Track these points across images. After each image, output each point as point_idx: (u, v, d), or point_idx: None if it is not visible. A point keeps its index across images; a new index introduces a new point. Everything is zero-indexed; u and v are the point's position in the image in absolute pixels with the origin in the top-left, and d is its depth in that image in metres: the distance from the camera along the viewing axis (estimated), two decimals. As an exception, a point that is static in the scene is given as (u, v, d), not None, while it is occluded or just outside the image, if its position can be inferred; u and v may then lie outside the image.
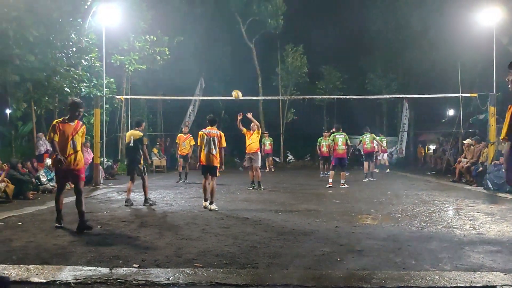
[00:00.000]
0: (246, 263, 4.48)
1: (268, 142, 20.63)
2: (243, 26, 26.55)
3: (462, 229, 6.29)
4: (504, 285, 3.83)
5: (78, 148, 6.25)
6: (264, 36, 27.22)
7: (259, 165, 12.20)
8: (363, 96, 19.54)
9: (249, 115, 11.86)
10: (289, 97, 24.72)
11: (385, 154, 19.51)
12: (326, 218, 7.28)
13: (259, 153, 12.21)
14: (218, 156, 8.39)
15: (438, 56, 21.54)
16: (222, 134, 8.56)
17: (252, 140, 11.86)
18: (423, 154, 24.57)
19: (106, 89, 14.72)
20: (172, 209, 8.30)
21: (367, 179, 14.95)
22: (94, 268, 4.21)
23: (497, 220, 7.08)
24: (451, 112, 26.41)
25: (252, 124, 11.91)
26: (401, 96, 21.36)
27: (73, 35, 13.82)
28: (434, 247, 5.22)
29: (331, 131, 13.84)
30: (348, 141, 13.14)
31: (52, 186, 10.94)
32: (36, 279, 3.89)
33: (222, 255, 4.77)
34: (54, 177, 11.14)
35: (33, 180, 10.63)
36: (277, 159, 24.85)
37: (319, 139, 16.54)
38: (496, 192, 10.93)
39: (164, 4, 20.76)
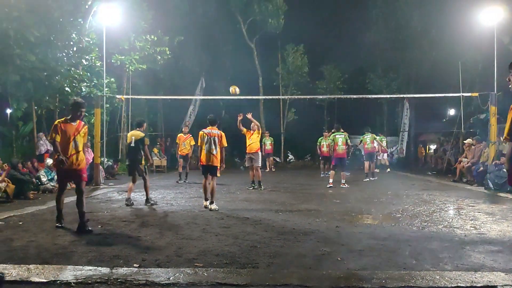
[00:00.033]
0: (246, 263, 4.48)
1: (268, 142, 20.63)
2: (243, 26, 26.55)
3: (463, 229, 6.29)
4: (505, 285, 3.82)
5: (80, 148, 6.23)
6: (264, 36, 27.22)
7: (260, 165, 12.21)
8: (364, 96, 19.48)
9: (249, 116, 11.86)
10: (289, 96, 24.73)
11: (385, 154, 19.51)
12: (326, 218, 7.28)
13: (260, 153, 12.21)
14: (218, 156, 8.39)
15: (438, 56, 21.53)
16: (223, 134, 8.56)
17: (253, 140, 11.86)
18: (424, 154, 24.56)
19: (106, 89, 14.72)
20: (172, 209, 8.30)
21: (368, 179, 14.95)
22: (95, 268, 4.21)
23: (498, 220, 7.08)
24: (451, 112, 26.38)
25: (252, 124, 11.91)
26: (401, 95, 21.36)
27: (73, 35, 13.82)
28: (435, 247, 5.22)
29: (332, 131, 13.83)
30: (348, 141, 13.13)
31: (53, 186, 10.95)
32: (36, 279, 3.89)
33: (222, 255, 4.77)
34: (55, 177, 11.19)
35: (34, 180, 10.63)
36: (277, 159, 24.85)
37: (320, 139, 16.54)
38: (497, 192, 10.93)
39: (164, 3, 20.76)
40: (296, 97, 24.35)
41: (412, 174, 18.23)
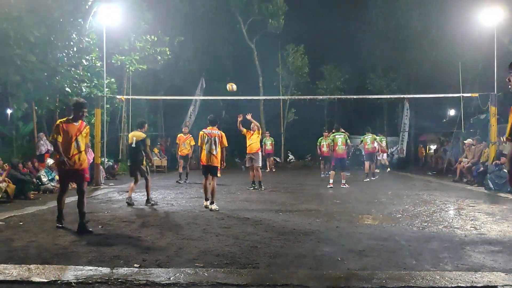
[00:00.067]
0: (246, 263, 4.48)
1: (269, 142, 20.63)
2: (244, 26, 26.54)
3: (463, 229, 6.29)
4: (505, 285, 3.83)
5: (82, 148, 6.22)
6: (265, 36, 27.20)
7: (260, 165, 12.21)
8: (364, 96, 19.53)
9: (249, 116, 11.87)
10: (290, 97, 24.73)
11: (385, 154, 19.52)
12: (327, 218, 7.29)
13: (260, 153, 12.22)
14: (218, 156, 8.40)
15: (438, 56, 21.53)
16: (223, 134, 8.57)
17: (253, 141, 11.87)
18: (424, 154, 24.58)
19: (106, 89, 14.72)
20: (173, 209, 8.31)
21: (368, 179, 14.96)
22: (95, 268, 4.21)
23: (498, 220, 7.08)
24: (452, 112, 26.39)
25: (252, 125, 11.92)
26: (401, 96, 21.34)
27: (74, 35, 13.82)
28: (435, 247, 5.22)
29: (332, 131, 13.84)
30: (348, 141, 13.14)
31: (53, 186, 10.96)
32: (37, 279, 3.90)
33: (223, 255, 4.77)
34: (56, 177, 11.20)
35: (34, 180, 10.64)
36: (277, 159, 24.85)
37: (320, 139, 16.55)
38: (497, 192, 10.93)
39: (165, 4, 20.77)
40: (296, 97, 24.37)
41: (412, 174, 18.24)
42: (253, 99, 22.43)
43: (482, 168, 12.65)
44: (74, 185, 6.77)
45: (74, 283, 3.82)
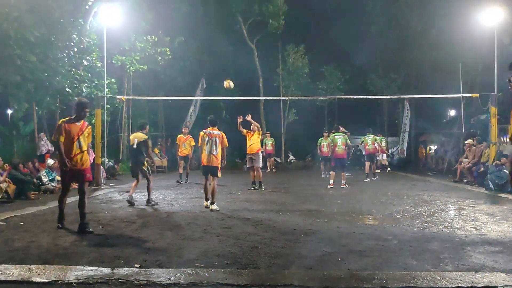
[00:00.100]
0: (247, 263, 4.49)
1: (270, 143, 20.62)
2: (244, 27, 26.53)
3: (464, 230, 6.29)
4: (505, 286, 3.83)
5: (84, 148, 6.22)
6: (265, 36, 27.20)
7: (260, 166, 12.23)
8: (364, 97, 19.53)
9: (249, 117, 11.88)
10: (290, 97, 24.71)
11: (384, 155, 19.52)
12: (327, 218, 7.29)
13: (260, 154, 12.23)
14: (219, 156, 8.40)
15: (439, 56, 21.51)
16: (224, 134, 8.57)
17: (253, 141, 11.88)
18: (424, 154, 24.56)
19: (107, 90, 14.72)
20: (173, 209, 8.31)
21: (368, 179, 14.96)
22: (96, 268, 4.22)
23: (498, 221, 7.08)
24: (452, 113, 26.37)
25: (252, 125, 11.93)
26: (402, 96, 21.36)
27: (74, 35, 13.83)
28: (436, 247, 5.22)
29: (332, 131, 13.85)
30: (348, 141, 13.13)
31: (54, 186, 10.97)
32: (38, 279, 3.90)
33: (223, 255, 4.77)
34: (56, 177, 11.20)
35: (35, 180, 10.64)
36: (278, 159, 24.84)
37: (320, 139, 16.54)
38: (498, 193, 10.93)
39: (165, 4, 20.77)
40: (296, 97, 24.33)
41: (413, 174, 18.23)
42: (253, 99, 22.48)
43: (482, 169, 12.64)
44: (75, 185, 6.77)
45: (74, 283, 3.82)
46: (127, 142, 19.00)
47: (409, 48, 23.68)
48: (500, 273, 4.18)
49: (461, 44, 18.39)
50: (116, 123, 20.26)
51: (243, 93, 22.46)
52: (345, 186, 12.48)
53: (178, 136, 14.22)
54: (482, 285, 3.83)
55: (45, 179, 10.93)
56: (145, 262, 4.45)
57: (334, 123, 15.42)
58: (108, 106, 15.44)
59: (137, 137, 9.04)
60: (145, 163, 8.99)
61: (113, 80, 16.33)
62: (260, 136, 12.37)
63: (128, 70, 18.42)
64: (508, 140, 3.62)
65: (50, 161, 11.78)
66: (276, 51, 27.72)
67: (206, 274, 4.06)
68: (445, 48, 20.44)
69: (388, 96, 22.38)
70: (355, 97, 18.42)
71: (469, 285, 3.82)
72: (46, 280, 3.89)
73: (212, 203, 8.18)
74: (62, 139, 6.06)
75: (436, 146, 24.02)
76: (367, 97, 19.66)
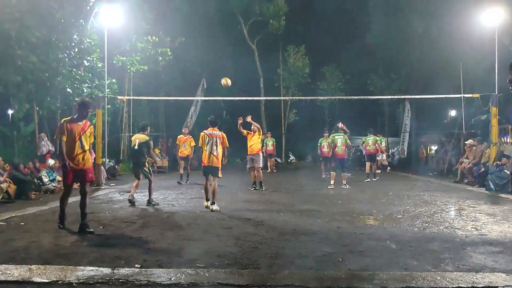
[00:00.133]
0: (247, 263, 4.49)
1: (270, 143, 20.60)
2: (245, 27, 26.58)
3: (464, 230, 6.29)
4: (506, 286, 3.83)
5: (87, 147, 6.19)
6: (266, 37, 27.25)
7: (261, 166, 12.23)
8: (365, 97, 19.54)
9: (249, 119, 11.90)
10: (290, 97, 24.76)
11: (384, 155, 19.51)
12: (327, 218, 7.29)
13: (261, 154, 12.24)
14: (219, 157, 8.40)
15: (439, 57, 21.50)
16: (224, 134, 8.57)
17: (253, 142, 11.90)
18: (425, 154, 24.53)
19: (108, 90, 14.73)
20: (174, 209, 8.31)
21: (369, 179, 14.95)
22: (96, 268, 4.22)
23: (499, 221, 7.08)
24: (453, 113, 26.36)
25: (253, 126, 11.94)
26: (402, 96, 21.34)
27: (75, 36, 13.84)
28: (436, 247, 5.22)
29: (332, 131, 13.87)
30: (348, 141, 13.14)
31: (54, 186, 10.98)
32: (38, 279, 3.90)
33: (223, 255, 4.77)
34: (57, 177, 11.22)
35: (35, 180, 10.65)
36: (278, 160, 24.86)
37: (320, 139, 16.54)
38: (498, 193, 10.91)
39: (166, 5, 20.80)
40: (297, 98, 24.40)
41: (413, 175, 18.22)
42: (254, 99, 22.50)
43: (483, 169, 12.63)
44: (76, 186, 6.75)
45: (75, 283, 3.83)
46: (128, 143, 19.03)
47: (409, 48, 23.68)
48: (501, 273, 4.18)
49: (461, 45, 18.38)
50: (116, 124, 20.28)
51: (243, 93, 22.49)
52: (345, 187, 12.48)
53: (178, 136, 14.22)
54: (483, 286, 3.83)
55: (45, 179, 10.94)
56: (146, 262, 4.45)
57: (334, 124, 15.40)
58: (109, 106, 15.45)
59: (138, 138, 9.07)
60: (146, 163, 9.02)
61: (114, 80, 16.35)
62: (261, 137, 12.37)
63: (128, 71, 18.44)
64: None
65: (51, 161, 11.79)
66: (277, 51, 27.78)
67: (207, 274, 4.07)
68: (445, 49, 20.43)
69: (389, 97, 22.38)
70: (355, 97, 18.42)
71: (469, 286, 3.82)
72: (47, 280, 3.89)
73: (212, 203, 8.18)
74: (64, 138, 6.05)
75: (436, 147, 23.97)
76: (368, 97, 19.67)
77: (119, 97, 15.80)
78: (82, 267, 4.25)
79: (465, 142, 15.49)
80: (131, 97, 17.72)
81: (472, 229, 6.38)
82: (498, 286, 3.82)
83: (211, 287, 3.78)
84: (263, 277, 4.03)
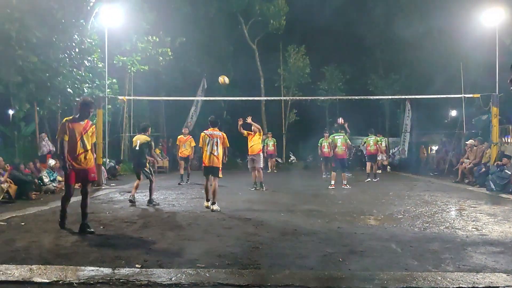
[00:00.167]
0: (248, 263, 4.49)
1: (271, 143, 20.60)
2: (245, 27, 26.58)
3: (465, 230, 6.28)
4: (506, 286, 3.82)
5: (89, 147, 6.16)
6: (266, 37, 27.24)
7: (261, 166, 12.25)
8: (365, 97, 19.53)
9: (249, 120, 11.91)
10: (291, 97, 24.74)
11: (384, 155, 19.50)
12: (328, 218, 7.28)
13: (261, 155, 12.26)
14: (220, 157, 8.41)
15: (440, 57, 21.51)
16: (225, 134, 8.59)
17: (254, 142, 11.92)
18: (426, 154, 24.51)
19: (108, 90, 14.74)
20: (174, 209, 8.31)
21: (369, 179, 14.95)
22: (97, 268, 4.22)
23: (499, 221, 7.07)
24: (453, 113, 26.35)
25: (253, 127, 11.96)
26: (403, 96, 21.36)
27: (75, 36, 13.85)
28: (437, 248, 5.22)
29: (332, 132, 13.88)
30: (348, 141, 13.14)
31: (55, 186, 10.99)
32: (39, 279, 3.90)
33: (224, 255, 4.77)
34: (57, 177, 11.22)
35: (36, 180, 10.66)
36: (279, 160, 24.85)
37: (321, 139, 16.55)
38: (499, 193, 10.90)
39: (166, 5, 20.81)
40: (297, 98, 24.38)
41: (414, 175, 18.21)
42: (254, 99, 22.49)
43: (483, 169, 12.62)
44: (77, 185, 6.74)
45: (75, 283, 3.83)
46: (128, 143, 19.05)
47: (410, 48, 23.67)
48: (501, 273, 4.17)
49: (462, 45, 18.38)
50: (117, 124, 20.29)
51: (244, 93, 22.48)
52: (346, 187, 12.49)
53: (178, 137, 14.20)
54: (483, 286, 3.83)
55: (46, 180, 10.95)
56: (146, 262, 4.45)
57: (335, 124, 15.39)
58: (109, 106, 15.46)
59: (139, 139, 9.10)
60: (147, 164, 9.03)
61: (114, 80, 16.37)
62: (261, 137, 12.39)
63: (129, 71, 18.45)
64: None
65: (51, 162, 11.80)
66: (277, 51, 27.75)
67: (207, 274, 4.06)
68: (446, 49, 20.44)
69: (389, 97, 22.37)
70: (356, 97, 18.39)
71: (470, 286, 3.82)
72: (47, 280, 3.89)
73: (213, 203, 8.18)
74: (66, 138, 6.02)
75: (437, 147, 23.98)
76: (368, 97, 19.67)
77: (119, 97, 15.81)
78: (82, 267, 4.25)
79: (466, 142, 15.48)
80: (132, 97, 17.73)
81: (473, 229, 6.37)
82: (499, 287, 3.82)
83: (212, 287, 3.78)
84: (263, 277, 4.03)
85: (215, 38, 25.43)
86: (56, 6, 12.46)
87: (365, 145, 16.70)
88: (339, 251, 5.05)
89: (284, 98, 25.04)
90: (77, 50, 14.15)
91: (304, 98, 23.98)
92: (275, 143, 21.15)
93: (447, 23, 19.74)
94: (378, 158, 18.22)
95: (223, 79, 12.16)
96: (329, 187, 12.34)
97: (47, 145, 13.82)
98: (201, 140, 8.51)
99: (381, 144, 17.44)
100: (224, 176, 9.35)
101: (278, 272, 4.21)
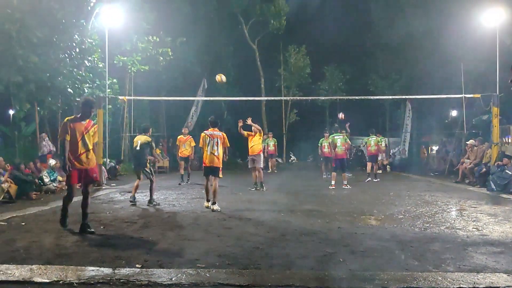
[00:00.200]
0: (248, 263, 4.48)
1: (272, 143, 20.58)
2: (245, 27, 26.60)
3: (465, 230, 6.28)
4: (507, 286, 3.82)
5: (90, 146, 6.14)
6: (266, 37, 27.26)
7: (262, 166, 12.26)
8: (366, 97, 19.52)
9: (249, 121, 11.91)
10: (291, 97, 24.76)
11: (383, 154, 19.50)
12: (328, 218, 7.28)
13: (261, 155, 12.27)
14: (220, 157, 8.42)
15: (440, 57, 21.49)
16: (225, 134, 8.60)
17: (254, 143, 11.95)
18: (426, 155, 24.52)
19: (109, 90, 14.74)
20: (174, 209, 8.32)
21: (370, 178, 14.95)
22: (97, 268, 4.22)
23: (500, 221, 7.06)
24: (454, 113, 26.34)
25: (253, 128, 11.97)
26: (403, 96, 21.35)
27: (76, 36, 13.85)
28: (437, 248, 5.21)
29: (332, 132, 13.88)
30: (348, 141, 13.14)
31: (55, 186, 10.99)
32: (39, 279, 3.91)
33: (224, 255, 4.77)
34: (58, 177, 11.23)
35: (36, 180, 10.66)
36: (279, 160, 24.85)
37: (321, 139, 16.54)
38: (499, 193, 10.90)
39: (166, 5, 20.80)
40: (298, 98, 24.40)
41: (414, 175, 18.19)
42: (255, 99, 22.51)
43: (484, 169, 12.61)
44: (78, 185, 6.73)
45: (76, 283, 3.83)
46: (129, 143, 19.05)
47: (410, 48, 23.66)
48: (502, 274, 4.17)
49: (462, 45, 18.37)
50: (117, 124, 20.29)
51: (244, 93, 22.51)
52: (346, 187, 12.48)
53: (178, 137, 14.21)
54: (484, 286, 3.83)
55: (46, 180, 10.96)
56: (147, 263, 4.45)
57: (335, 124, 15.40)
58: (110, 106, 15.46)
59: (140, 139, 9.11)
60: (148, 164, 9.04)
61: (114, 80, 16.37)
62: (262, 137, 12.41)
63: (129, 71, 18.45)
64: None
65: (52, 162, 11.80)
66: (278, 51, 27.79)
67: (208, 275, 4.06)
68: (447, 49, 20.42)
69: (390, 97, 22.36)
70: (356, 97, 18.39)
71: (470, 286, 3.82)
72: (48, 280, 3.89)
73: (213, 203, 8.18)
74: (68, 138, 6.01)
75: (437, 147, 23.97)
76: (369, 97, 19.66)
77: (120, 97, 15.80)
78: (83, 267, 4.25)
79: (466, 142, 15.47)
80: (132, 97, 17.74)
81: (473, 229, 6.37)
82: (499, 287, 3.82)
83: (212, 287, 3.78)
84: (263, 277, 4.03)
85: (215, 38, 25.44)
86: (57, 6, 12.45)
87: (366, 145, 16.69)
88: (340, 251, 5.05)
89: (285, 98, 25.07)
90: (77, 50, 14.15)
91: (304, 98, 24.01)
92: (276, 143, 21.13)
93: (447, 23, 19.72)
94: (379, 158, 18.23)
95: (220, 77, 12.18)
96: (330, 187, 12.34)
97: (47, 145, 13.83)
98: (201, 140, 8.52)
99: (381, 144, 17.45)
100: (225, 176, 9.36)
101: (278, 272, 4.21)
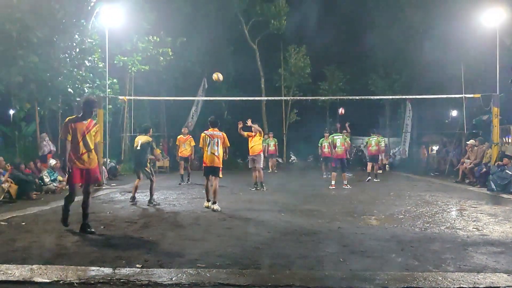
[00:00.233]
0: (249, 263, 4.49)
1: (272, 143, 20.59)
2: (246, 27, 26.56)
3: (466, 230, 6.28)
4: (507, 286, 3.82)
5: (91, 146, 6.11)
6: (267, 37, 27.22)
7: (262, 166, 12.28)
8: (366, 97, 19.49)
9: (249, 122, 11.94)
10: (292, 97, 24.74)
11: (383, 154, 19.50)
12: (328, 218, 7.28)
13: (262, 155, 12.29)
14: (220, 157, 8.43)
15: (441, 57, 21.48)
16: (225, 134, 8.61)
17: (254, 143, 12.00)
18: (426, 155, 24.51)
19: (109, 90, 14.73)
20: (175, 209, 8.32)
21: (370, 177, 14.94)
22: (97, 268, 4.22)
23: (500, 221, 7.07)
24: (454, 113, 26.32)
25: (253, 129, 11.99)
26: (404, 96, 21.32)
27: (76, 36, 13.85)
28: (437, 248, 5.22)
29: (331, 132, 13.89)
30: (347, 140, 13.15)
31: (55, 186, 10.99)
32: (39, 279, 3.91)
33: (225, 255, 4.77)
34: (58, 177, 11.23)
35: (37, 180, 10.66)
36: (280, 160, 24.83)
37: (321, 139, 16.54)
38: (500, 193, 10.90)
39: (167, 5, 20.79)
40: (298, 98, 24.36)
41: (415, 175, 18.19)
42: (255, 99, 22.49)
43: (484, 169, 12.62)
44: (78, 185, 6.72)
45: (76, 283, 3.83)
46: (129, 143, 19.05)
47: (410, 48, 23.65)
48: (502, 273, 4.17)
49: (463, 45, 18.36)
50: (118, 124, 20.28)
51: (244, 93, 22.47)
52: (346, 187, 12.49)
53: (178, 137, 14.22)
54: (484, 286, 3.83)
55: (47, 179, 10.96)
56: (147, 262, 4.45)
57: (335, 123, 15.38)
58: (110, 106, 15.46)
59: (141, 139, 9.13)
60: (148, 164, 9.05)
61: (115, 80, 16.36)
62: (262, 138, 12.44)
63: (130, 71, 18.44)
64: None
65: (52, 161, 11.81)
66: (278, 51, 27.74)
67: (208, 274, 4.06)
68: (447, 49, 20.41)
69: (390, 96, 22.32)
70: (357, 97, 18.36)
71: (471, 286, 3.82)
72: (48, 280, 3.89)
73: (214, 203, 8.19)
74: (69, 137, 5.98)
75: (438, 147, 23.96)
76: (369, 97, 19.62)
77: (120, 97, 15.80)
78: (83, 267, 4.25)
79: (467, 142, 15.47)
80: (132, 97, 17.73)
81: (474, 229, 6.37)
82: (499, 287, 3.82)
83: (212, 287, 3.78)
84: (264, 277, 4.03)
85: (215, 38, 25.40)
86: (57, 6, 12.45)
87: (366, 145, 16.68)
88: (340, 251, 5.05)
89: (285, 98, 25.02)
90: (77, 50, 14.15)
91: (304, 98, 23.95)
92: (276, 143, 21.12)
93: (448, 23, 19.71)
94: (379, 158, 18.22)
95: (217, 76, 12.19)
96: (330, 187, 12.35)
97: (47, 145, 13.83)
98: (201, 140, 8.52)
99: (380, 144, 17.45)
100: (225, 176, 9.36)
101: (279, 272, 4.21)
